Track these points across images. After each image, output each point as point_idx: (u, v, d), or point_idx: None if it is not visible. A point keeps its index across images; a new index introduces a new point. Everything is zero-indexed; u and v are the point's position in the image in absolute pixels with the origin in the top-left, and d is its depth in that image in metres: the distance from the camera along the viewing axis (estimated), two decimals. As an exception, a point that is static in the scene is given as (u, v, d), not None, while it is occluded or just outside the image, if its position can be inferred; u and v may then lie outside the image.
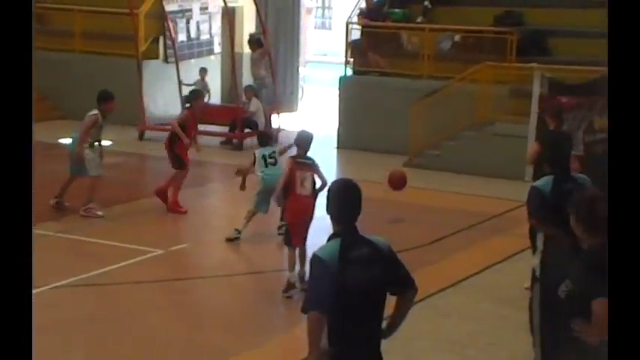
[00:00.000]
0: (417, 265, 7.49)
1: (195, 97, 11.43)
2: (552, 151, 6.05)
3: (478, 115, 13.57)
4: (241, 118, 15.47)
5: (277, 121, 16.57)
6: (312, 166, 8.07)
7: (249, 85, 16.26)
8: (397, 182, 10.55)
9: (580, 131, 12.65)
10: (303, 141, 8.22)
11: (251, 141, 15.72)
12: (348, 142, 15.16)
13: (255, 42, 16.51)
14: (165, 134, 11.47)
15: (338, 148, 15.43)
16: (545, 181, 5.80)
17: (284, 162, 8.48)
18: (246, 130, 15.70)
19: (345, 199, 4.19)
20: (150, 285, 8.20)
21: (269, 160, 9.46)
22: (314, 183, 8.03)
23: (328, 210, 4.21)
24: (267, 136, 10.21)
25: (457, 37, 15.28)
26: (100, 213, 10.17)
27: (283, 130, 16.60)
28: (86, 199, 10.18)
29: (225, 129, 15.90)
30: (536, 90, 12.92)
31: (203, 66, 17.13)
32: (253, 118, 15.83)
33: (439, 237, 9.85)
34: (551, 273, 5.64)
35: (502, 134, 13.05)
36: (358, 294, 4.05)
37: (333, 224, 4.17)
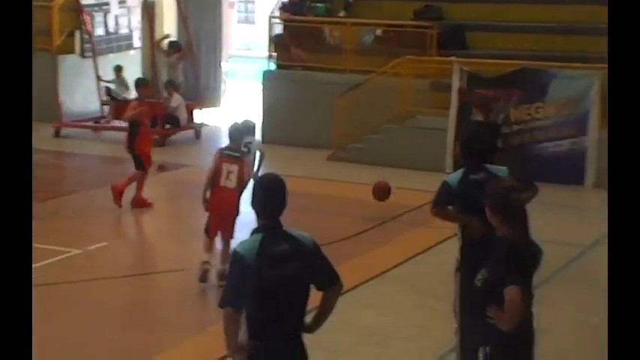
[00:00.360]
0: (341, 258, 7.55)
1: (142, 86, 11.22)
2: (465, 143, 6.15)
3: (400, 109, 13.71)
4: (162, 113, 15.27)
5: (200, 116, 16.43)
6: (239, 160, 7.99)
7: (169, 80, 16.05)
8: (380, 193, 10.67)
9: (498, 122, 12.93)
10: (235, 133, 8.18)
11: (174, 137, 15.60)
12: (272, 136, 15.09)
13: (175, 47, 16.35)
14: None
15: (262, 142, 15.35)
16: (456, 174, 5.91)
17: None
18: (167, 126, 15.53)
19: (269, 194, 4.16)
20: (66, 286, 8.01)
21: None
22: (242, 177, 7.97)
23: (252, 205, 4.19)
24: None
25: (379, 32, 15.42)
26: None
27: (206, 125, 16.50)
28: None
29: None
30: (456, 83, 13.18)
31: (118, 63, 16.83)
32: (175, 114, 15.66)
33: (363, 229, 9.92)
34: (468, 262, 5.76)
35: (423, 127, 13.22)
36: (278, 289, 4.04)
37: (257, 219, 4.15)
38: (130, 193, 10.73)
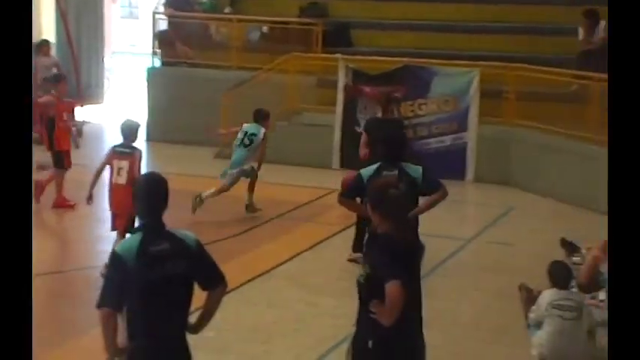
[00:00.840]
0: (227, 256, 7.54)
1: (57, 81, 10.96)
2: (382, 140, 6.19)
3: (286, 106, 13.74)
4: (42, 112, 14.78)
5: (82, 113, 15.98)
6: (129, 156, 8.01)
7: (46, 78, 15.58)
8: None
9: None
10: (127, 130, 8.21)
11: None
12: (157, 134, 14.89)
13: (45, 45, 15.83)
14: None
15: (147, 140, 15.12)
16: (370, 168, 5.97)
17: None
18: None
19: (150, 193, 4.13)
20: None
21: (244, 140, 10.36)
22: (133, 173, 7.97)
23: (134, 204, 4.16)
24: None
25: (265, 28, 15.40)
26: None
27: (88, 122, 16.07)
28: None
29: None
30: (342, 80, 13.33)
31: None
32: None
33: (249, 227, 9.89)
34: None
35: (310, 124, 13.31)
36: (158, 289, 4.00)
37: (138, 218, 4.12)
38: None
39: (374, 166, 6.06)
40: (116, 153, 8.10)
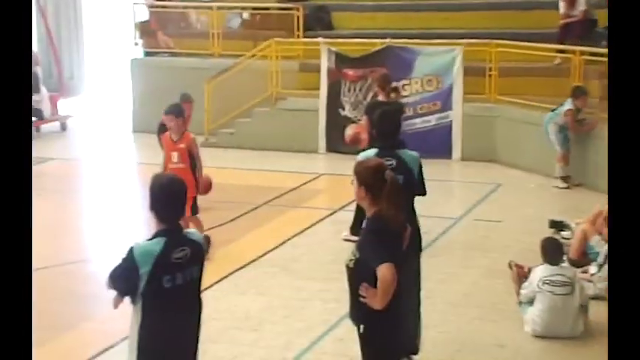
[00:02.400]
0: (215, 246, 7.41)
1: None
2: (377, 125, 5.95)
3: (270, 91, 13.61)
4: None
5: (65, 107, 15.85)
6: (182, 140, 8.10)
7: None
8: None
9: (366, 101, 13.03)
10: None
11: (35, 129, 14.96)
12: (142, 125, 14.72)
13: None
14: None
15: (134, 132, 15.00)
16: (368, 153, 5.70)
17: None
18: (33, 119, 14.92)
19: (173, 197, 3.96)
20: None
21: None
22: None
23: (151, 206, 3.96)
24: None
25: (245, 15, 15.24)
26: None
27: (72, 116, 15.91)
28: None
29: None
30: (324, 64, 13.19)
31: None
32: (38, 107, 15.04)
33: (237, 215, 9.77)
34: None
35: (294, 109, 13.17)
36: (176, 295, 3.89)
37: (157, 222, 3.92)
38: None
39: (372, 151, 5.84)
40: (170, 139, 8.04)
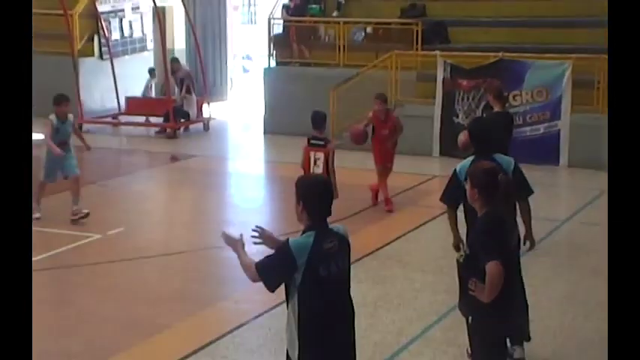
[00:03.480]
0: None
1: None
2: (475, 133, 5.83)
3: (390, 99, 13.56)
4: (174, 108, 15.24)
5: (208, 110, 16.35)
6: (323, 148, 8.18)
7: (182, 79, 16.02)
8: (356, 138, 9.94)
9: (479, 110, 12.81)
10: (317, 119, 8.33)
11: (182, 129, 15.55)
12: (273, 127, 15.03)
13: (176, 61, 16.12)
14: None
15: (265, 133, 15.31)
16: (465, 162, 5.62)
17: None
18: (181, 120, 15.55)
19: (324, 196, 3.98)
20: (89, 267, 7.95)
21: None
22: (326, 162, 8.11)
23: (306, 203, 3.93)
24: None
25: (369, 29, 15.28)
26: (85, 211, 9.23)
27: (214, 118, 16.40)
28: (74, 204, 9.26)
29: (160, 120, 15.63)
30: (440, 74, 13.07)
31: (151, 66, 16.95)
32: (186, 109, 15.61)
33: (357, 211, 9.80)
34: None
35: (411, 115, 13.07)
36: (331, 285, 3.86)
37: (307, 218, 3.91)
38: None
39: (469, 160, 5.73)
40: (311, 146, 8.14)
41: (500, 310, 4.37)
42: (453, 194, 5.59)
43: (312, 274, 3.82)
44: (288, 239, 3.88)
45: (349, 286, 4.03)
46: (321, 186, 4.04)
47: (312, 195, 3.96)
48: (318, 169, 7.87)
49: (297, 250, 3.81)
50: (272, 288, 3.93)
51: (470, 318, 4.61)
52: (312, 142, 8.12)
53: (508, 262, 4.41)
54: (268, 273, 3.88)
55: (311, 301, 3.85)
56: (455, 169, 5.61)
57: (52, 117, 9.28)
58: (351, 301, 4.05)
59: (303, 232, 3.92)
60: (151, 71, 16.95)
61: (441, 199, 5.74)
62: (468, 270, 4.47)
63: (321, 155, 7.96)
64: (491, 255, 4.26)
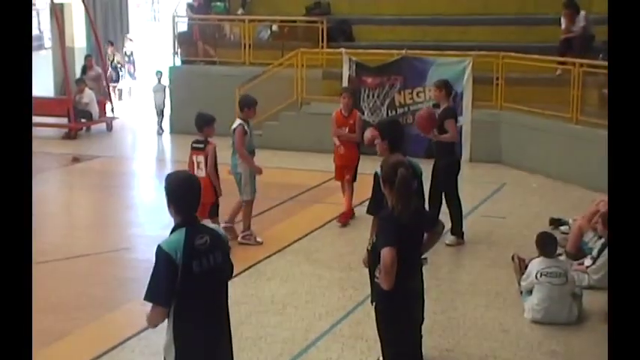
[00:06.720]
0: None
1: None
2: (389, 135, 5.80)
3: (295, 97, 13.65)
4: (74, 108, 14.84)
5: (111, 110, 16.01)
6: (203, 151, 8.06)
7: (79, 78, 15.61)
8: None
9: (384, 107, 13.07)
10: (199, 121, 8.23)
11: (84, 130, 15.14)
12: (180, 127, 14.83)
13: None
14: None
15: (171, 133, 15.12)
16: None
17: None
18: (82, 120, 15.15)
19: (189, 190, 3.94)
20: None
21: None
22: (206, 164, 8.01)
23: (173, 201, 3.90)
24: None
25: (274, 27, 15.30)
26: (259, 239, 8.48)
27: (117, 118, 16.06)
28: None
29: (61, 120, 15.16)
30: (345, 72, 13.21)
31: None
32: (87, 109, 15.22)
33: (265, 209, 9.81)
34: None
35: (317, 113, 13.19)
36: (206, 282, 3.82)
37: (176, 215, 3.88)
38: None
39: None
40: (193, 149, 8.05)
41: (400, 296, 4.50)
42: (379, 204, 5.24)
43: (185, 272, 3.77)
44: (158, 245, 3.81)
45: (227, 286, 4.00)
46: (186, 182, 3.99)
47: (178, 192, 3.93)
48: (201, 172, 7.79)
49: (171, 249, 3.77)
50: (164, 302, 3.78)
51: (374, 304, 4.78)
52: (194, 145, 8.08)
53: (411, 254, 4.55)
54: (158, 287, 3.78)
55: (185, 301, 3.79)
56: (376, 172, 5.59)
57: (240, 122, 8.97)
58: (227, 301, 4.00)
59: (173, 230, 3.88)
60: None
61: (368, 212, 5.50)
62: (375, 258, 4.63)
63: (202, 158, 7.91)
64: (385, 242, 4.39)
